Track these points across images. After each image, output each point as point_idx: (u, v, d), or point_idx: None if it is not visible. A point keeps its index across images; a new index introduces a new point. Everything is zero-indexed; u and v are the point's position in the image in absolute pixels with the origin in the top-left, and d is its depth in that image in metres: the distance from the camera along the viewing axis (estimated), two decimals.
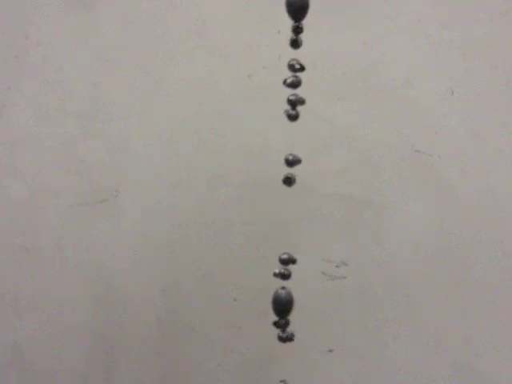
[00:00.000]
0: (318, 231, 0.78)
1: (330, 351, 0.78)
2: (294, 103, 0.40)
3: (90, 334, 0.84)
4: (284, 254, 0.45)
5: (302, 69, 0.39)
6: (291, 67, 0.40)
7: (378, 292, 0.78)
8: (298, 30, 0.37)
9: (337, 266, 0.77)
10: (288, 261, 0.45)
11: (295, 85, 0.40)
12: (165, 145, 0.81)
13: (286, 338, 0.45)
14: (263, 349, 0.80)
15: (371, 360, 0.79)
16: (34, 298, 0.84)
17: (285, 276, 0.45)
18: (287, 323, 0.45)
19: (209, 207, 0.80)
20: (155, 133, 0.81)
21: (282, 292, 0.45)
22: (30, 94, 0.83)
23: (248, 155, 0.79)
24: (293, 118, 0.41)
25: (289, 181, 0.43)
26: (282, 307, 0.45)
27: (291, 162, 0.42)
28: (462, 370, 0.78)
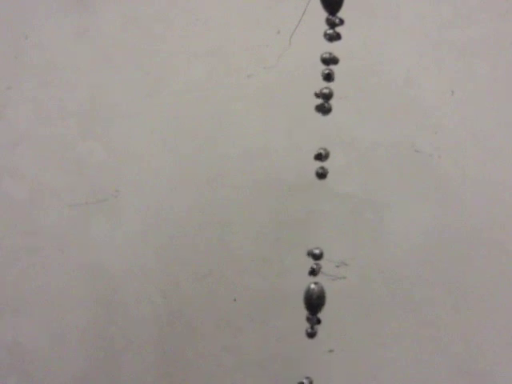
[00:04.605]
0: (318, 231, 0.78)
1: (330, 351, 0.78)
2: (327, 96, 0.40)
3: (90, 334, 0.84)
4: (316, 248, 0.45)
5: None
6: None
7: (378, 292, 0.78)
8: (335, 22, 0.37)
9: (337, 266, 0.77)
10: (319, 255, 0.45)
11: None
12: (165, 145, 0.81)
13: (313, 334, 0.45)
14: (263, 349, 0.80)
15: (371, 360, 0.79)
16: (34, 298, 0.84)
17: (314, 272, 0.45)
18: (318, 320, 0.45)
19: (209, 207, 0.80)
20: (155, 133, 0.81)
21: (315, 287, 0.45)
22: (30, 94, 0.83)
23: (248, 155, 0.79)
24: (326, 111, 0.41)
25: (321, 174, 0.43)
26: (314, 302, 0.45)
27: (323, 157, 0.43)
28: (462, 370, 0.78)
